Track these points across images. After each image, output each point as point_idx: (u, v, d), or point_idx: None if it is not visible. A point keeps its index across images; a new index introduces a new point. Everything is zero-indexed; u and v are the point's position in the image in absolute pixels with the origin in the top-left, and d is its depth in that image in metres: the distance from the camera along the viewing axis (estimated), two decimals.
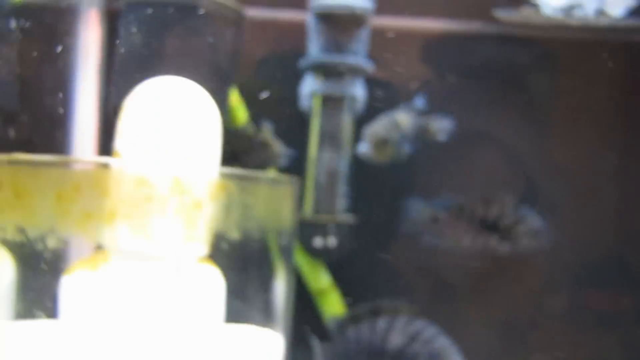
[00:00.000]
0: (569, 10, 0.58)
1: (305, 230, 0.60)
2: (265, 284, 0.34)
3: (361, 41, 0.61)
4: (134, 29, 0.51)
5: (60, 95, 0.56)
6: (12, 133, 0.53)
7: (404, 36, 0.63)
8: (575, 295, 0.64)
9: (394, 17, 0.63)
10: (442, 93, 0.63)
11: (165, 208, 0.29)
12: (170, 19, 0.49)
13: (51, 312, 0.31)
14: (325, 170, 0.60)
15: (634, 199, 0.64)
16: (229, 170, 0.31)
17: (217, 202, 0.30)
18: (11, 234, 0.30)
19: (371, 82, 0.62)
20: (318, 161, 0.60)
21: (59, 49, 0.58)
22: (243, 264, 0.32)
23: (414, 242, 0.62)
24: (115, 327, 0.29)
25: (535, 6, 0.59)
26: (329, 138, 0.60)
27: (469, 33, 0.63)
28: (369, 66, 0.61)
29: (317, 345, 0.59)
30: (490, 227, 0.60)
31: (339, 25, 0.59)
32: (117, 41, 0.53)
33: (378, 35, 0.62)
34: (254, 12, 0.60)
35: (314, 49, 0.61)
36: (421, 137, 0.60)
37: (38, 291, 0.31)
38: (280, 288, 0.34)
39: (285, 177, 0.36)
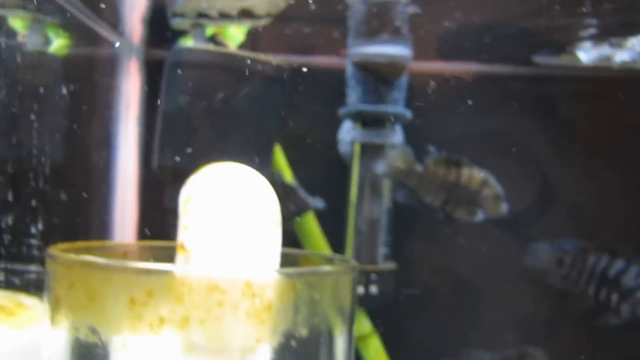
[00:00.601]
0: (603, 60, 0.58)
1: None
2: None
3: (400, 89, 0.61)
4: (178, 87, 0.52)
5: (105, 149, 0.56)
6: (62, 193, 0.53)
7: (440, 80, 0.63)
8: None
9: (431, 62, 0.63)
10: None
11: (237, 312, 0.30)
12: (217, 79, 0.50)
13: None
14: (366, 219, 0.60)
15: None
16: (295, 269, 0.32)
17: (286, 302, 0.31)
18: (84, 334, 0.30)
19: (408, 128, 0.62)
20: (358, 208, 0.60)
21: (102, 99, 0.59)
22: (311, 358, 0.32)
23: None
24: None
25: (572, 55, 0.59)
26: (369, 186, 0.60)
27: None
28: (408, 114, 0.61)
29: None
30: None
31: (378, 74, 0.59)
32: (159, 99, 0.53)
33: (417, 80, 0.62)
34: (293, 60, 0.60)
35: (354, 96, 0.61)
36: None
37: None
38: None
39: (346, 264, 0.36)
